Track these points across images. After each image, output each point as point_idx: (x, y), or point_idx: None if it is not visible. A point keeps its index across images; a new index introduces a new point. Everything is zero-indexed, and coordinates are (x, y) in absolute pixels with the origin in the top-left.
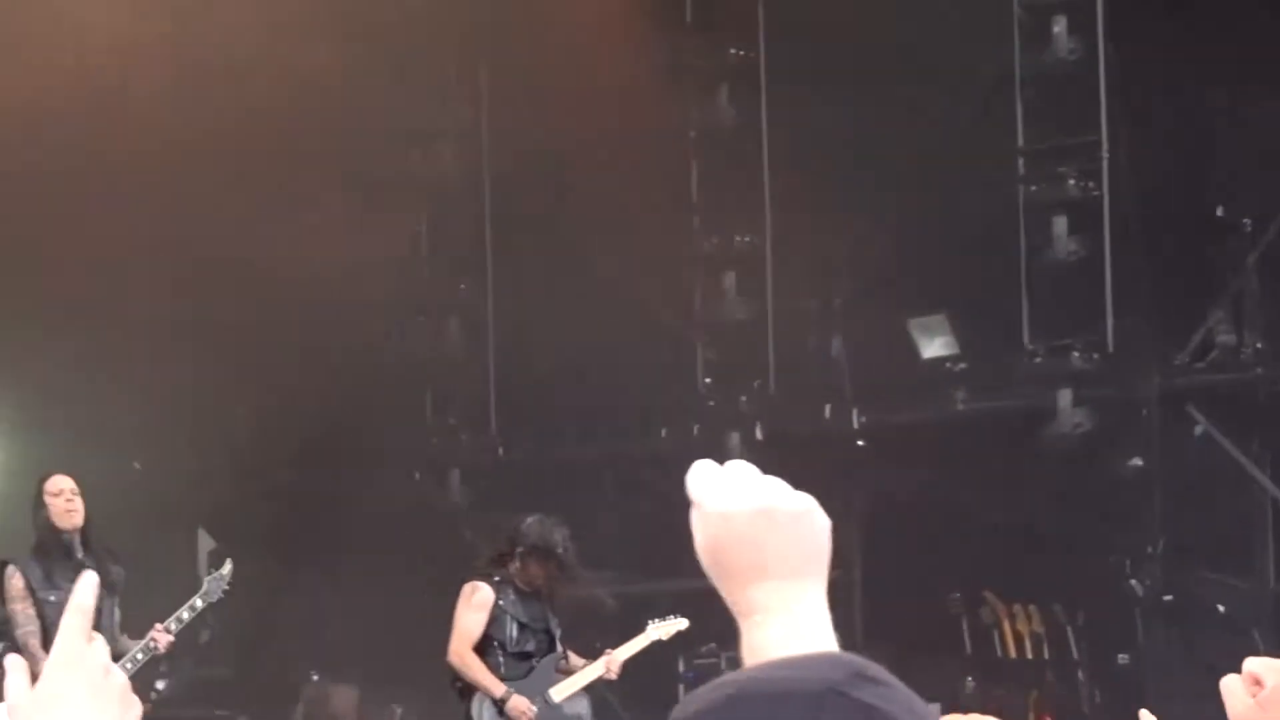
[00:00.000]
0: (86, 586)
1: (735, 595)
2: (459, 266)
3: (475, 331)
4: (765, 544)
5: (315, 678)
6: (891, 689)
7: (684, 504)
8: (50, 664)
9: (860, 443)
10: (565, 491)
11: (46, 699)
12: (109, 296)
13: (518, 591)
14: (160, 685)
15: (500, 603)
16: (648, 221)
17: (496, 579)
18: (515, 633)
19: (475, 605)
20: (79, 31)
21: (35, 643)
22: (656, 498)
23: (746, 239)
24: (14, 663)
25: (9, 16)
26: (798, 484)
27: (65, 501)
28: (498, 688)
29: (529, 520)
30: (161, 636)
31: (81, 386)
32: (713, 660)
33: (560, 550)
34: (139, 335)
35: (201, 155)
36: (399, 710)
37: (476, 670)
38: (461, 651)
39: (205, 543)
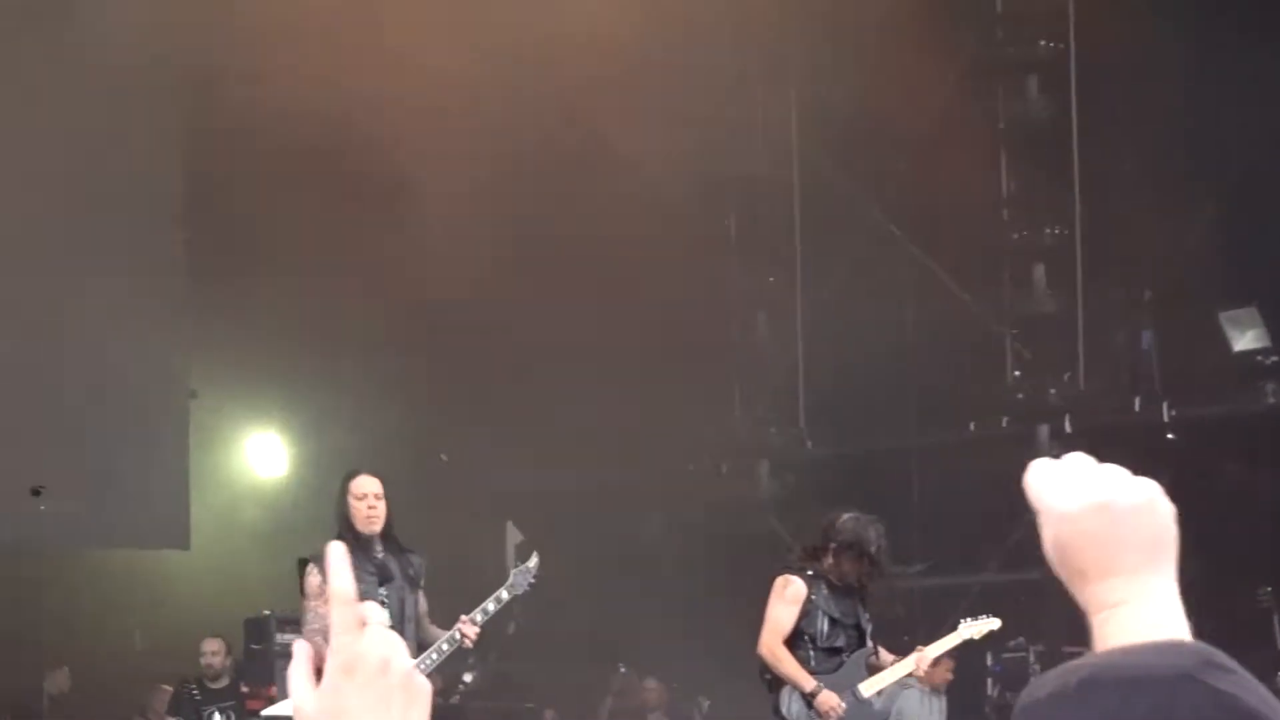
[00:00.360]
0: (339, 567)
1: (1083, 592)
2: (768, 260)
3: (783, 324)
4: (1107, 540)
5: (623, 670)
6: (1242, 677)
7: (992, 497)
8: (329, 667)
9: (1170, 435)
10: (872, 484)
11: (326, 705)
12: (419, 290)
13: (830, 586)
14: (467, 678)
15: (813, 597)
16: (957, 214)
17: (810, 573)
18: (826, 628)
19: (788, 599)
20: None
21: (320, 640)
22: (965, 491)
23: (1056, 231)
24: (300, 650)
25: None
26: None
27: (368, 507)
28: (808, 682)
29: (844, 517)
30: (468, 628)
31: (390, 380)
32: (1021, 654)
33: (873, 548)
34: (445, 330)
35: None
36: (706, 703)
37: (787, 664)
38: (772, 645)
39: (513, 535)
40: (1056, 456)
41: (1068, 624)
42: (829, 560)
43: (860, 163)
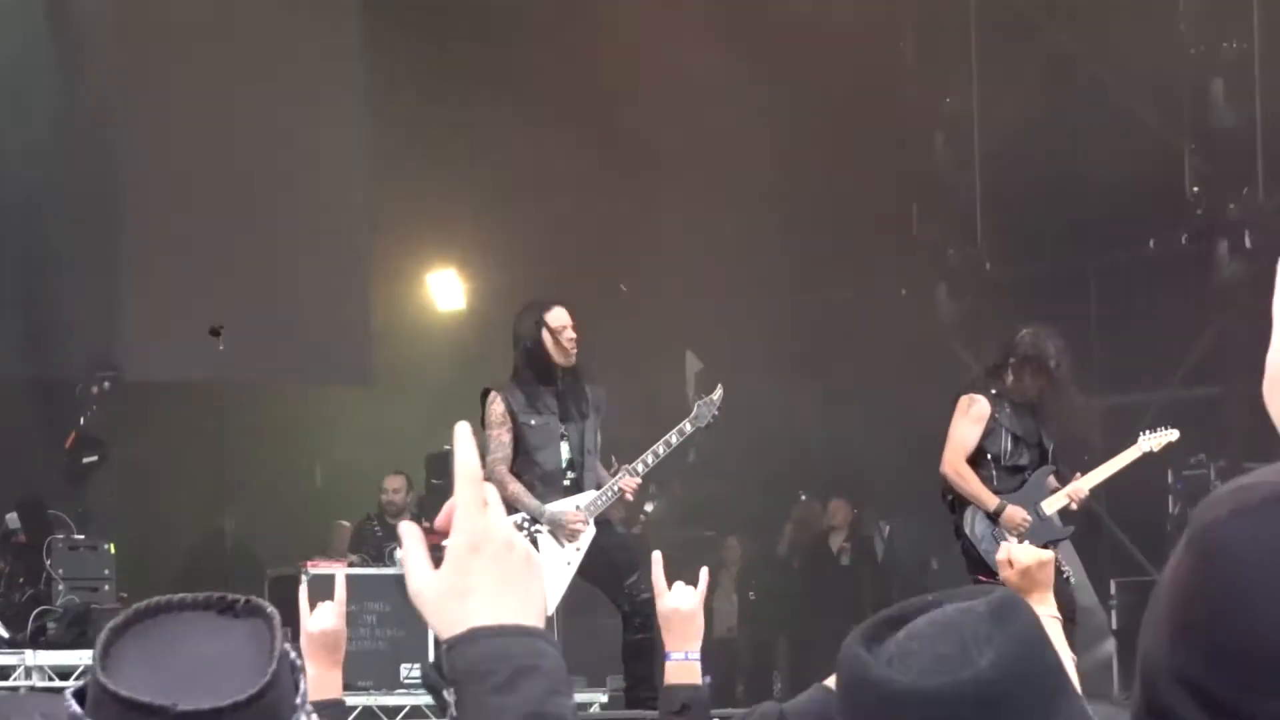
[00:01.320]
0: (464, 444)
1: None
2: (944, 81)
3: (961, 145)
4: None
5: (803, 497)
6: None
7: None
8: (453, 545)
9: None
10: (1051, 303)
11: (452, 584)
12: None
13: (1013, 405)
14: (649, 507)
15: (996, 415)
16: (1134, 28)
17: (993, 392)
18: (1010, 445)
19: (972, 418)
20: None
21: (503, 469)
22: (1144, 309)
23: (1235, 45)
24: (410, 533)
25: None
26: None
27: (567, 340)
28: (991, 500)
29: (1023, 332)
30: (627, 481)
31: (565, 215)
32: (1202, 471)
33: (1053, 362)
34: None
35: None
36: (886, 526)
37: (971, 482)
38: (956, 463)
39: (693, 364)
40: (1235, 274)
41: (1250, 440)
42: (1010, 377)
43: None
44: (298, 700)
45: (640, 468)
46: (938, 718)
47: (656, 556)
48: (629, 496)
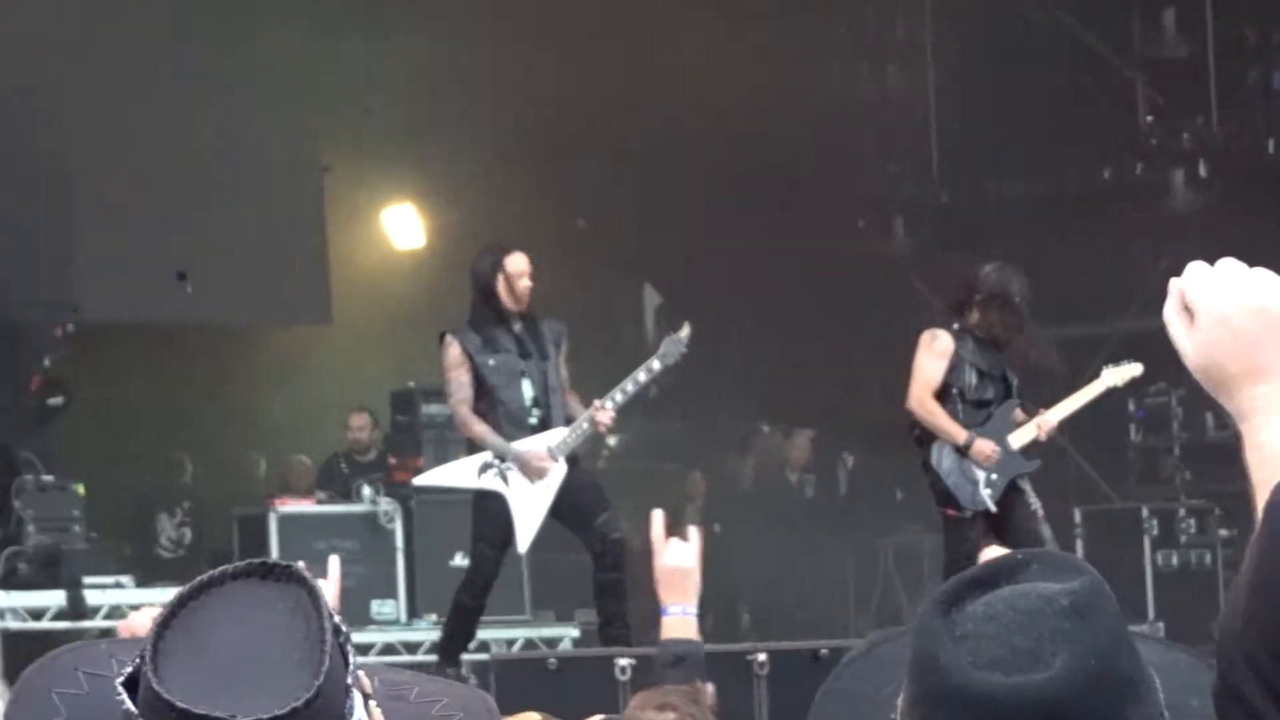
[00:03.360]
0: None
1: (1234, 399)
2: (898, 11)
3: (914, 75)
4: (1262, 343)
5: (766, 429)
6: None
7: (1129, 243)
8: None
9: None
10: (1007, 234)
11: None
12: None
13: (975, 340)
14: (611, 441)
15: (959, 351)
16: None
17: (956, 326)
18: (975, 380)
19: (936, 353)
20: None
21: (465, 410)
22: (1100, 238)
23: None
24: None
25: None
26: (1243, 219)
27: (523, 287)
28: (960, 433)
29: (987, 268)
30: (601, 414)
31: (523, 149)
32: (1163, 399)
33: (1018, 299)
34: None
35: None
36: (850, 459)
37: (939, 417)
38: (923, 398)
39: (652, 298)
40: (1191, 202)
41: None
42: (975, 314)
43: None
44: (349, 679)
45: (610, 403)
46: (997, 716)
47: (657, 515)
48: (603, 428)
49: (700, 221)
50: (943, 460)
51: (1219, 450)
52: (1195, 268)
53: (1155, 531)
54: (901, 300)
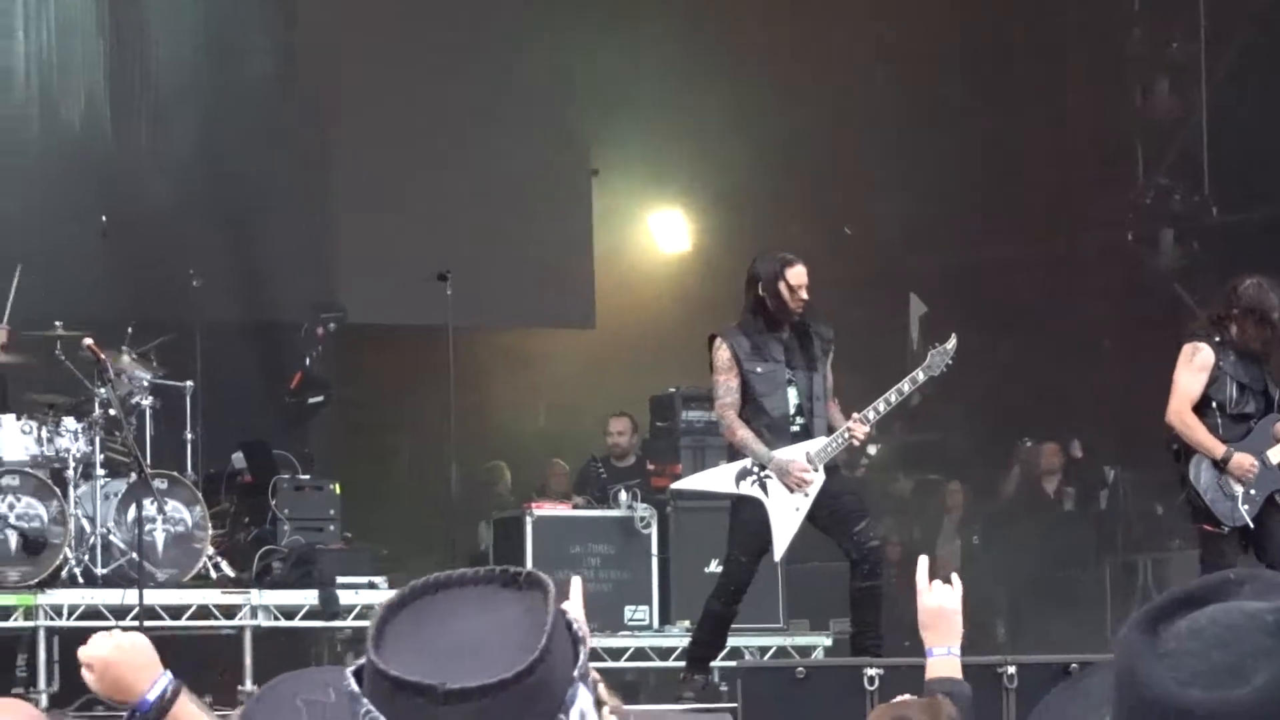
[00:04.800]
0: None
1: None
2: (1170, 24)
3: (1187, 89)
4: None
5: (1028, 442)
6: None
7: None
8: None
9: None
10: (1277, 251)
11: None
12: None
13: (1237, 353)
14: (871, 450)
15: (1220, 364)
16: None
17: (1217, 340)
18: (1235, 393)
19: (1196, 366)
20: None
21: (731, 414)
22: None
23: None
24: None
25: None
26: None
27: (799, 300)
28: (1218, 448)
29: (1247, 282)
30: (858, 428)
31: (794, 157)
32: None
33: (1276, 314)
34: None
35: None
36: (1111, 472)
37: (1197, 430)
38: (1182, 411)
39: (917, 307)
40: None
41: None
42: (1233, 327)
43: None
44: (576, 672)
45: (872, 414)
46: None
47: (923, 561)
48: (857, 442)
49: (964, 235)
50: (1200, 475)
51: None
52: None
53: None
54: (1168, 314)
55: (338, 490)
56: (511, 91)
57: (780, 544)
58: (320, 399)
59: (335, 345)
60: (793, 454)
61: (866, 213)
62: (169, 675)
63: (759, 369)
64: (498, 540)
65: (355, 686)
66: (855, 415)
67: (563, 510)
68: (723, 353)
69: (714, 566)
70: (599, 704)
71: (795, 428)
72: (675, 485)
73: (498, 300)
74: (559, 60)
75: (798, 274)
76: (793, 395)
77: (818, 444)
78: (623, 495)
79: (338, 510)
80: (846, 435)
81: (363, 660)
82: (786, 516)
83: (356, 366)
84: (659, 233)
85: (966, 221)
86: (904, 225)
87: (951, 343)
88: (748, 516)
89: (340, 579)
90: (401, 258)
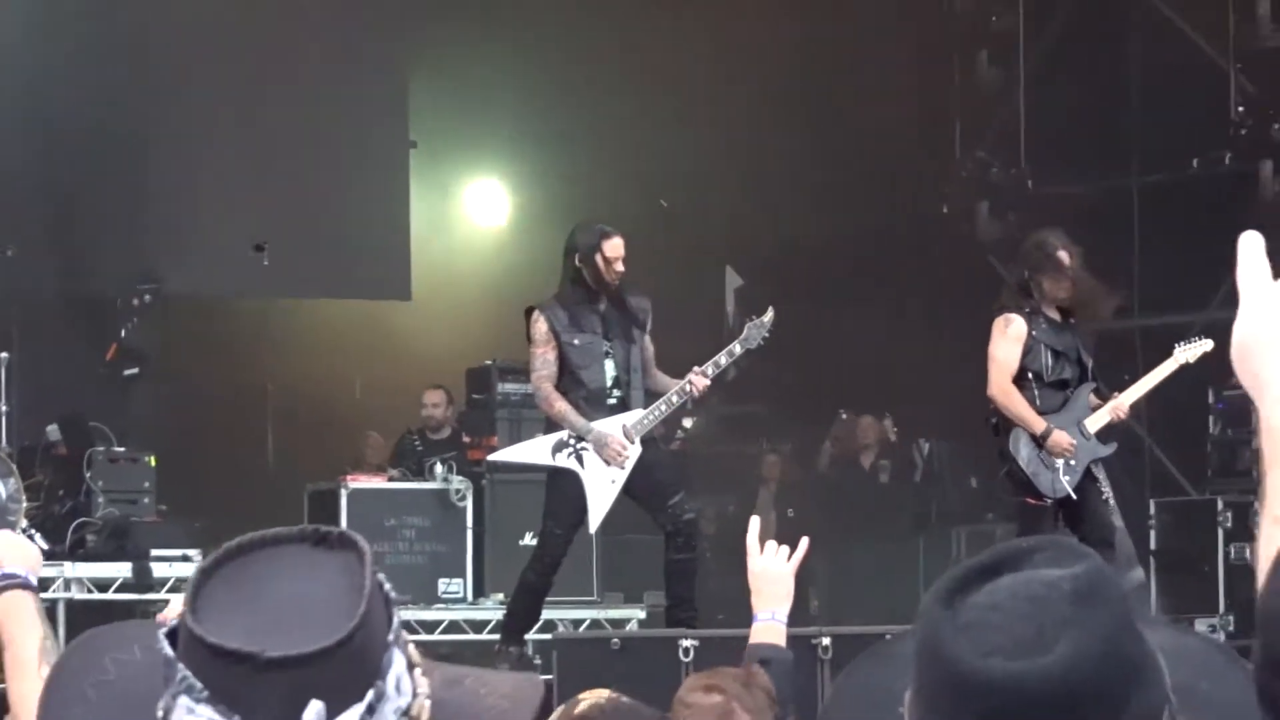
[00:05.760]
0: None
1: (1261, 403)
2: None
3: (1005, 64)
4: None
5: (843, 415)
6: None
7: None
8: None
9: None
10: (1093, 223)
11: None
12: None
13: (1048, 321)
14: (687, 423)
15: (1033, 333)
16: None
17: (1027, 310)
18: (1050, 361)
19: (1010, 338)
20: None
21: (548, 387)
22: (1186, 229)
23: None
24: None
25: None
26: None
27: (615, 272)
28: (1039, 424)
29: (1027, 243)
30: (699, 380)
31: (609, 127)
32: (1242, 391)
33: (1060, 251)
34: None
35: None
36: (926, 445)
37: (1018, 404)
38: (1003, 385)
39: (732, 280)
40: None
41: None
42: (1035, 291)
43: None
44: (390, 637)
45: (711, 370)
46: (1000, 703)
47: (754, 523)
48: (698, 393)
49: (782, 206)
50: (1020, 448)
51: None
52: (1251, 239)
53: (1230, 524)
54: (983, 286)
55: (153, 463)
56: (329, 62)
57: (595, 516)
58: (135, 370)
59: (151, 317)
60: (610, 426)
61: (686, 185)
62: (24, 579)
63: (576, 341)
64: (313, 512)
65: (170, 650)
66: (696, 369)
67: (378, 483)
68: (540, 325)
69: (529, 539)
70: (411, 666)
71: (612, 400)
72: (491, 457)
73: (314, 271)
74: (378, 31)
75: (614, 246)
76: (610, 367)
77: (635, 416)
78: (438, 468)
79: (153, 483)
80: (681, 394)
81: (176, 622)
82: (602, 489)
83: (173, 338)
84: (476, 205)
85: (786, 194)
86: (723, 197)
87: (768, 316)
88: (564, 489)
89: (155, 551)
90: (218, 229)
